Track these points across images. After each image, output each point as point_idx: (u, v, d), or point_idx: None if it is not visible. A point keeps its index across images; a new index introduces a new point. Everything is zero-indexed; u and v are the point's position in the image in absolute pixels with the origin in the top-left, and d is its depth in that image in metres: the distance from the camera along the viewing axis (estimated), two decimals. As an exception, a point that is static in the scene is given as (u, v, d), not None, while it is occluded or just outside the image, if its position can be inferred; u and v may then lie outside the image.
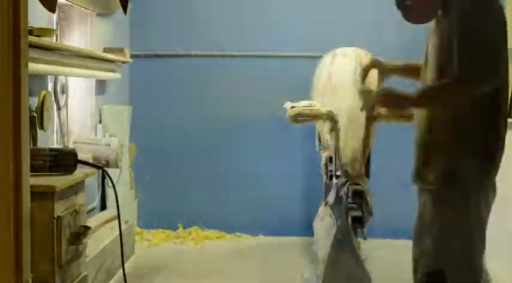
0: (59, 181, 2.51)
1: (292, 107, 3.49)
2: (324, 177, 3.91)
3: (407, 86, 2.60)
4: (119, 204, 2.86)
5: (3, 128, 1.60)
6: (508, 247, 4.10)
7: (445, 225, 2.41)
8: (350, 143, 3.37)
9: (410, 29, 4.94)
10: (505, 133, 2.44)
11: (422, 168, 2.49)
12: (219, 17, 5.28)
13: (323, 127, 3.78)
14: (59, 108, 3.94)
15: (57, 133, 4.01)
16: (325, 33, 4.74)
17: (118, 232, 2.94)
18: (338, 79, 3.77)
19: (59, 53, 3.42)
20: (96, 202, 4.48)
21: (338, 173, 3.43)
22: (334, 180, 3.45)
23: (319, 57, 4.90)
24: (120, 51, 4.57)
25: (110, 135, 4.39)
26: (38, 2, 2.13)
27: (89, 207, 4.17)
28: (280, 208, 5.01)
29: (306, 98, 4.06)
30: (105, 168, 3.38)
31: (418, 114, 2.54)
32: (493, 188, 2.46)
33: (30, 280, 1.72)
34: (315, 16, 5.16)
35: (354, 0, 5.21)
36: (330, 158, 3.64)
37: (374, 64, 2.92)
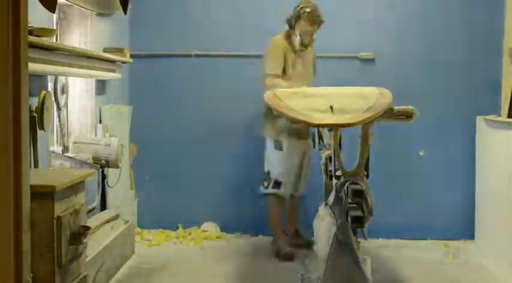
0: (59, 181, 2.51)
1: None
2: (324, 177, 3.90)
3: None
4: (119, 204, 2.86)
5: (3, 128, 1.60)
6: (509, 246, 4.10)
7: None
8: None
9: (409, 30, 4.94)
10: None
11: None
12: (219, 17, 5.27)
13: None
14: (59, 108, 3.94)
15: (57, 133, 4.01)
16: (325, 33, 4.74)
17: (118, 232, 2.95)
18: None
19: (59, 53, 3.42)
20: (96, 202, 4.47)
21: (338, 173, 3.42)
22: (334, 180, 3.45)
23: (320, 58, 4.91)
24: (120, 51, 4.56)
25: (110, 135, 4.39)
26: (38, 2, 2.13)
27: (89, 207, 4.17)
28: (280, 208, 5.00)
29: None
30: (105, 168, 3.40)
31: None
32: None
33: (30, 280, 1.72)
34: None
35: (354, 1, 5.21)
36: (330, 158, 3.64)
37: None
